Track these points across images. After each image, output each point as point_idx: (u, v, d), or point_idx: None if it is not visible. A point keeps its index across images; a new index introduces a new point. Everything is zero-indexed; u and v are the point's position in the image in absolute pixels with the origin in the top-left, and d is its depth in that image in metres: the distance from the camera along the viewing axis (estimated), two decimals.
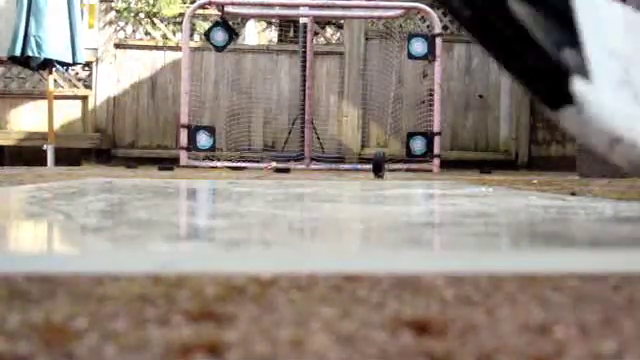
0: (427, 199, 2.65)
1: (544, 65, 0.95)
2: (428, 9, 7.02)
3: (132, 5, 9.30)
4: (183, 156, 6.90)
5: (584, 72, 0.91)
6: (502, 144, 9.46)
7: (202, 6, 7.07)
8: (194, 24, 8.96)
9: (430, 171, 6.58)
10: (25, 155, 8.75)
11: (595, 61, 0.93)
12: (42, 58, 7.59)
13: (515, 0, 1.01)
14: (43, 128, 8.30)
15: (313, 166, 7.08)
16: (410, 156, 6.91)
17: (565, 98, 0.93)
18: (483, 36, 1.06)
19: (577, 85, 0.92)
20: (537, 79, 0.99)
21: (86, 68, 8.94)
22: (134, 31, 9.19)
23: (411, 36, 7.05)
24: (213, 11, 7.96)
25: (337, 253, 1.10)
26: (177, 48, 8.66)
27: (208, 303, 0.66)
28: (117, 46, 9.03)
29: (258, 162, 7.08)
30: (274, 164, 6.65)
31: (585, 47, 0.93)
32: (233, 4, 7.12)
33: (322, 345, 0.53)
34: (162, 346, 0.52)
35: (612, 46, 0.99)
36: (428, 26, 8.36)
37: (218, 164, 6.97)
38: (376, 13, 7.88)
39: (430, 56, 6.84)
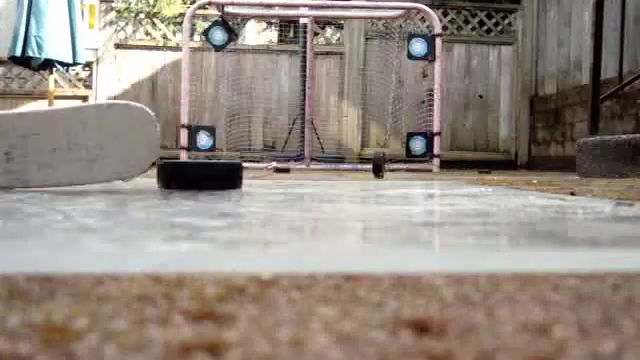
0: (427, 199, 2.65)
1: None
2: (428, 9, 7.02)
3: (132, 5, 9.30)
4: (183, 156, 6.90)
5: None
6: (502, 144, 9.46)
7: (202, 6, 7.07)
8: (194, 24, 8.96)
9: (430, 171, 6.59)
10: None
11: None
12: (42, 58, 7.59)
13: None
14: None
15: (313, 166, 7.08)
16: (410, 156, 6.91)
17: None
18: None
19: None
20: None
21: (86, 68, 8.94)
22: (134, 31, 9.19)
23: (411, 36, 7.06)
24: (213, 11, 7.95)
25: (337, 253, 1.10)
26: (177, 48, 8.66)
27: (208, 303, 0.66)
28: (117, 46, 9.03)
29: (258, 162, 7.08)
30: (274, 164, 6.65)
31: None
32: (233, 4, 7.12)
33: (322, 345, 0.53)
34: (162, 346, 0.52)
35: None
36: (428, 26, 8.36)
37: None
38: (376, 13, 7.88)
39: (430, 56, 6.84)
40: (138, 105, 2.62)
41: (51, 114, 2.65)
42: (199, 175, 2.67)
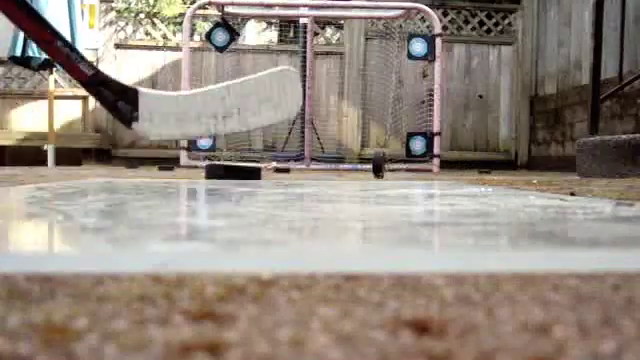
0: (427, 199, 2.65)
1: (122, 116, 3.28)
2: (428, 9, 7.02)
3: (132, 5, 9.30)
4: (183, 156, 6.90)
5: (135, 118, 3.25)
6: (502, 144, 9.46)
7: (202, 6, 7.07)
8: (194, 24, 8.95)
9: (430, 171, 6.59)
10: (25, 155, 8.76)
11: (141, 114, 3.28)
12: (42, 58, 7.59)
13: (107, 92, 3.24)
14: (43, 128, 8.31)
15: (313, 166, 7.08)
16: (410, 156, 6.91)
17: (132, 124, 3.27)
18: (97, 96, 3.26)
19: (133, 122, 3.27)
20: (119, 119, 3.32)
21: None
22: (134, 31, 9.19)
23: (411, 36, 7.05)
24: (213, 11, 7.95)
25: (337, 253, 1.10)
26: (177, 48, 8.66)
27: (208, 303, 0.66)
28: (117, 46, 9.03)
29: (258, 162, 7.07)
30: (274, 164, 6.65)
31: (138, 109, 3.25)
32: (233, 4, 7.12)
33: (322, 345, 0.53)
34: (162, 346, 0.52)
35: (155, 109, 3.33)
36: (428, 26, 8.36)
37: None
38: (376, 13, 7.88)
39: (430, 56, 6.84)
40: (293, 69, 3.87)
41: (256, 80, 3.64)
42: (238, 172, 4.00)
